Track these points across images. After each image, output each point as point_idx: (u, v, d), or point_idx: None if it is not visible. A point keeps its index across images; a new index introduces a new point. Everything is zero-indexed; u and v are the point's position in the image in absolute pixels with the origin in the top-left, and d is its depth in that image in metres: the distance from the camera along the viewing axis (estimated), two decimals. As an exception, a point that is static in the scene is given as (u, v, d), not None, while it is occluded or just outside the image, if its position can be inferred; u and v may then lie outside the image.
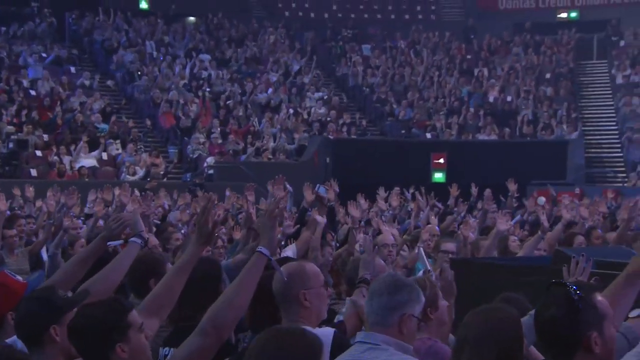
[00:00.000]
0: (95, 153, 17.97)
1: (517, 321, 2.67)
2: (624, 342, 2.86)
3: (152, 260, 4.00)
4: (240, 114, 21.27)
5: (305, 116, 22.11)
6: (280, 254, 5.92)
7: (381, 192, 10.64)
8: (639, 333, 2.95)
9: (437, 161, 20.14)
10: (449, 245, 6.27)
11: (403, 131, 22.29)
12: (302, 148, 20.46)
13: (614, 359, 2.34)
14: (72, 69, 22.19)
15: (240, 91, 22.46)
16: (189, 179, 17.66)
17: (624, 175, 20.43)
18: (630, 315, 2.96)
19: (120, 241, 3.78)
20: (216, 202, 10.06)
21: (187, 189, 13.34)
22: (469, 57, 25.90)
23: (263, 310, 3.36)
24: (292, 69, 24.39)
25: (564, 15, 28.24)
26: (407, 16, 28.98)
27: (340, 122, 22.00)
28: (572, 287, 2.33)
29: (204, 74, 23.06)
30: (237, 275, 5.31)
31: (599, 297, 2.35)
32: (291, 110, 22.07)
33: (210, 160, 18.91)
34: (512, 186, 11.16)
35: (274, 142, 20.34)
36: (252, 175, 15.73)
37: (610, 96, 23.97)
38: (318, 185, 8.09)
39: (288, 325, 3.04)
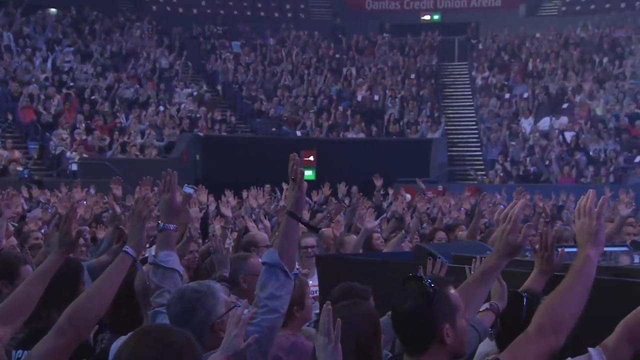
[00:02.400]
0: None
1: (375, 316, 2.75)
2: (474, 334, 3.01)
3: None
4: (106, 109, 20.66)
5: (174, 112, 21.77)
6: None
7: (252, 191, 10.67)
8: (488, 325, 3.11)
9: (306, 159, 20.35)
10: (309, 240, 6.32)
11: (273, 129, 22.39)
12: (171, 145, 20.14)
13: (465, 349, 2.45)
14: None
15: (105, 86, 21.81)
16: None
17: (483, 173, 21.40)
18: (480, 309, 3.10)
19: None
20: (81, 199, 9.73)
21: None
22: (337, 56, 26.34)
23: (123, 310, 3.29)
24: (160, 65, 23.94)
25: (427, 17, 29.23)
26: (276, 14, 29.10)
27: (210, 118, 21.83)
28: (427, 281, 2.41)
29: (67, 67, 22.23)
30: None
31: (452, 290, 2.44)
32: (160, 107, 21.68)
33: (73, 156, 18.27)
34: (377, 182, 11.45)
35: (142, 138, 19.91)
36: (118, 172, 15.31)
37: (470, 97, 25.04)
38: (185, 184, 7.96)
39: (163, 324, 2.98)
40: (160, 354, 2.11)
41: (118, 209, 6.92)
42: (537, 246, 3.44)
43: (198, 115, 21.71)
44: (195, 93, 23.10)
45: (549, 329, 2.38)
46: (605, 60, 24.10)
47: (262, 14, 29.01)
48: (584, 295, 2.48)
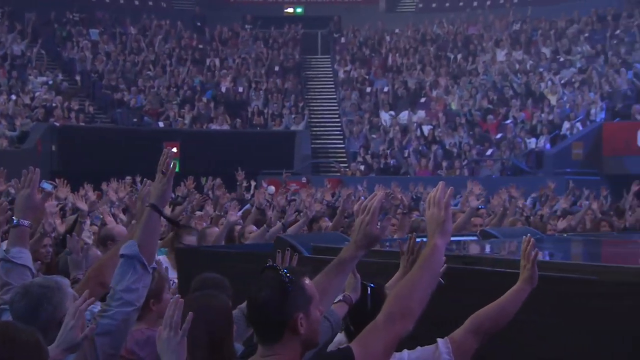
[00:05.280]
0: None
1: (228, 308, 2.76)
2: (327, 325, 3.07)
3: None
4: (-48, 97, 19.48)
5: (28, 101, 20.80)
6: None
7: (112, 183, 10.35)
8: (341, 316, 3.19)
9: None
10: (192, 239, 6.24)
11: (134, 119, 21.85)
12: (25, 135, 19.27)
13: (318, 339, 2.49)
14: None
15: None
16: None
17: (345, 165, 21.83)
18: (334, 301, 3.17)
19: None
20: None
21: None
22: (200, 46, 26.02)
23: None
24: (12, 52, 22.77)
25: (290, 10, 29.43)
26: (137, 2, 28.34)
27: (67, 108, 21.01)
28: (283, 271, 2.43)
29: None
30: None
31: (307, 281, 2.47)
32: (12, 96, 20.66)
33: None
34: (240, 176, 11.46)
35: (-8, 128, 18.93)
36: (-35, 165, 14.49)
37: (333, 90, 25.45)
38: (43, 180, 7.60)
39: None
40: (2, 351, 2.01)
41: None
42: (403, 248, 3.57)
43: (54, 105, 20.84)
44: (50, 82, 22.15)
45: (397, 316, 2.46)
46: (459, 56, 25.14)
47: (122, 1, 28.17)
48: (431, 283, 2.58)
